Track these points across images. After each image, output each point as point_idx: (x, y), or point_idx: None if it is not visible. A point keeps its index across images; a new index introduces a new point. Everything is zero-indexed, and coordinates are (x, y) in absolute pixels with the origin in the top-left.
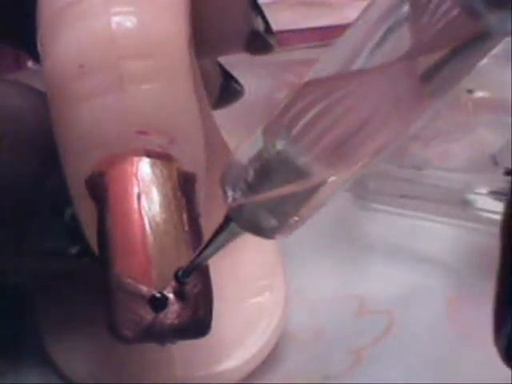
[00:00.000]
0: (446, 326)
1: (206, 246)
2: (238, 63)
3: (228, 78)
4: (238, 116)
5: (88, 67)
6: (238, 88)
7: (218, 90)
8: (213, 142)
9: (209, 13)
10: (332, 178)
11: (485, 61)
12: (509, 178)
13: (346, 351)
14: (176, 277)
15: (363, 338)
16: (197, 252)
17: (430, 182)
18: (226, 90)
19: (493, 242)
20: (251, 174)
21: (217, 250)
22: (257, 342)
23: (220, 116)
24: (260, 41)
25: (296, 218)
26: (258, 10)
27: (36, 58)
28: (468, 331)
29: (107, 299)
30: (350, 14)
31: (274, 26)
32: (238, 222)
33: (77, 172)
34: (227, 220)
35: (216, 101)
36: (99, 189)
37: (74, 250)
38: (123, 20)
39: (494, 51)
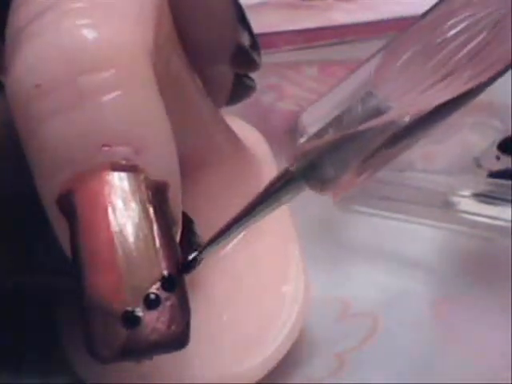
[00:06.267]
0: (430, 328)
1: (259, 202)
2: None
3: (239, 74)
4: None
5: (44, 86)
6: (251, 84)
7: (229, 86)
8: (220, 139)
9: (195, 25)
10: (405, 118)
11: None
12: (492, 180)
13: (329, 354)
14: (165, 281)
15: (347, 341)
16: (248, 207)
17: (414, 184)
18: (237, 86)
19: (476, 244)
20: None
21: (268, 207)
22: (277, 336)
23: None
24: (244, 56)
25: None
26: (245, 24)
27: None
28: (453, 333)
29: (82, 320)
30: (334, 17)
31: (259, 28)
32: (299, 172)
33: (47, 192)
34: (286, 174)
35: (229, 97)
36: (69, 208)
37: None
38: (77, 34)
39: None
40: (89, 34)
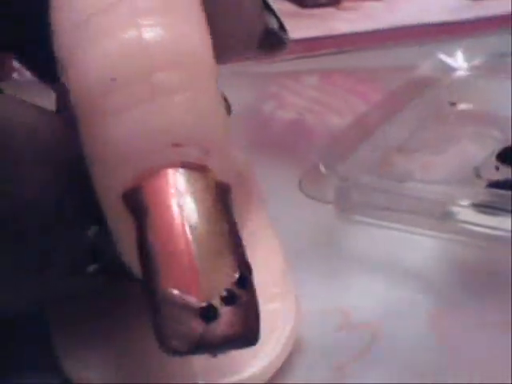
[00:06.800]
0: (430, 339)
1: None
2: (222, 74)
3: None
4: None
5: (120, 80)
6: (226, 105)
7: None
8: None
9: (221, 16)
10: None
11: (468, 73)
12: (491, 190)
13: (328, 366)
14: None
15: (346, 352)
16: None
17: (413, 194)
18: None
19: (475, 254)
20: None
21: None
22: (273, 349)
23: None
24: (274, 38)
25: None
26: (270, 9)
27: (33, 70)
28: (453, 344)
29: (154, 314)
30: (334, 26)
31: None
32: None
33: (111, 188)
34: None
35: None
36: (137, 203)
37: (91, 269)
38: (153, 31)
39: (477, 63)
40: (164, 32)
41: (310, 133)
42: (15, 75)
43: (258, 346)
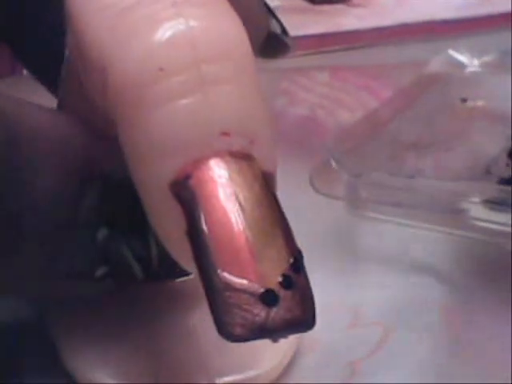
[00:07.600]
0: (441, 335)
1: None
2: None
3: None
4: None
5: (168, 70)
6: None
7: None
8: None
9: None
10: None
11: (479, 70)
12: (502, 187)
13: (340, 364)
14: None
15: (358, 349)
16: None
17: (424, 190)
18: None
19: (486, 251)
20: None
21: None
22: (281, 347)
23: None
24: (277, 43)
25: None
26: (271, 13)
27: (31, 68)
28: (464, 340)
29: (213, 301)
30: (345, 22)
31: None
32: None
33: (158, 178)
34: None
35: None
36: (186, 193)
37: (99, 272)
38: (199, 22)
39: (488, 60)
40: (210, 23)
41: (320, 128)
42: (26, 71)
43: (266, 344)
